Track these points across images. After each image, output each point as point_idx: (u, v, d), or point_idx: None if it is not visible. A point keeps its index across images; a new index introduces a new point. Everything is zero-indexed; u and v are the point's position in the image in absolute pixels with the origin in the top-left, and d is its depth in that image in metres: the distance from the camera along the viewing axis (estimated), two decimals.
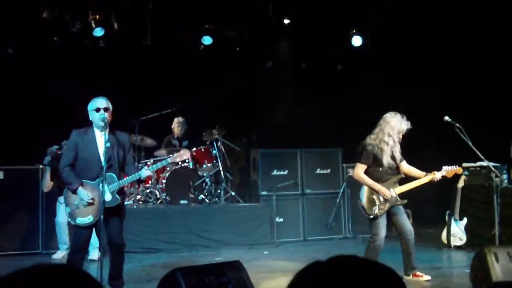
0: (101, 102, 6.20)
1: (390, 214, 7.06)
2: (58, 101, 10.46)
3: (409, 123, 7.02)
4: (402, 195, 7.05)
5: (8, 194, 9.54)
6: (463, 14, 10.88)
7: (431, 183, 7.17)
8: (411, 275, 7.05)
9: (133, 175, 6.35)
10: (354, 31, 12.23)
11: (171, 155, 7.18)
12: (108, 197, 5.99)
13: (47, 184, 9.22)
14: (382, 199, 6.95)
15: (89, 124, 6.27)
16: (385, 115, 7.10)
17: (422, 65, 11.84)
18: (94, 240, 8.16)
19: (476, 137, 7.42)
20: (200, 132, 11.26)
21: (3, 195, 9.51)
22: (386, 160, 6.98)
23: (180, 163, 10.37)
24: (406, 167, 7.20)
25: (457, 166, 7.27)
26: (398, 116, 7.03)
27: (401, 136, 7.05)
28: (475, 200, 9.61)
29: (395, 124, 6.99)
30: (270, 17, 11.81)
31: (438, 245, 9.54)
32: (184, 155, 7.15)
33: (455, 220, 9.42)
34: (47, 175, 9.28)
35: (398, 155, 7.08)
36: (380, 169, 7.01)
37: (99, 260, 6.04)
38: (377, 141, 6.99)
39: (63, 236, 9.08)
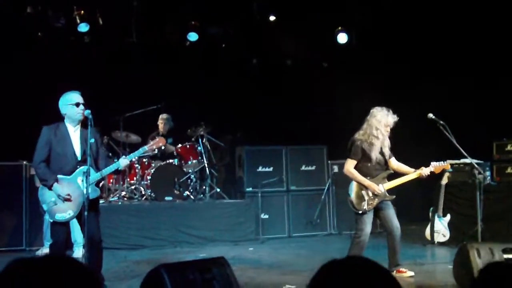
0: (79, 96, 6.17)
1: (378, 210, 7.09)
2: (42, 96, 10.37)
3: (395, 116, 7.05)
4: (390, 191, 7.10)
5: None
6: (448, 12, 10.94)
7: (417, 179, 7.22)
8: (395, 271, 7.09)
9: (112, 165, 6.32)
10: (340, 28, 12.26)
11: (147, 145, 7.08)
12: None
13: None
14: (371, 195, 6.98)
15: (60, 119, 6.21)
16: (371, 110, 7.13)
17: (407, 62, 11.89)
18: (79, 238, 8.15)
19: (460, 134, 7.48)
20: (186, 128, 11.25)
21: None
22: (375, 154, 7.01)
23: (163, 156, 10.38)
24: (395, 163, 7.24)
25: (445, 162, 7.32)
26: (384, 110, 7.06)
27: (388, 130, 7.08)
28: (458, 197, 9.70)
29: (381, 118, 7.02)
30: (255, 14, 11.82)
31: (422, 241, 9.61)
32: (160, 142, 7.07)
33: (439, 216, 9.50)
34: None
35: (387, 151, 7.12)
36: (369, 164, 7.04)
37: (83, 257, 6.01)
38: (366, 136, 7.03)
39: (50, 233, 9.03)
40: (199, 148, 10.92)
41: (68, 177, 6.07)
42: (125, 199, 10.56)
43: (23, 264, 1.58)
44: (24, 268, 1.56)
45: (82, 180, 5.97)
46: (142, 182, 10.61)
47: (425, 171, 7.10)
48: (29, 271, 1.56)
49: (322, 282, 1.68)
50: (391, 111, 7.06)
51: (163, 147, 10.07)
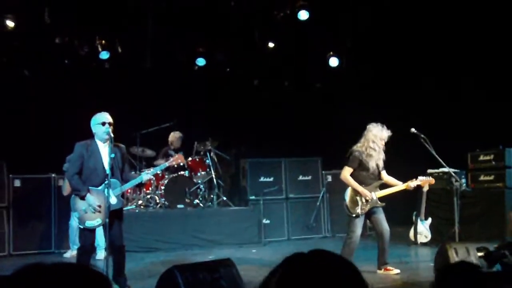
0: (106, 117, 6.24)
1: (370, 214, 7.13)
2: (68, 117, 10.45)
3: (389, 131, 7.10)
4: (381, 199, 7.13)
5: (24, 200, 9.58)
6: (423, 32, 10.99)
7: (405, 189, 7.26)
8: (383, 269, 7.13)
9: (135, 179, 6.39)
10: (331, 53, 12.31)
11: (168, 160, 7.19)
12: (113, 200, 6.03)
13: (67, 188, 9.09)
14: (364, 200, 7.01)
15: (91, 136, 6.28)
16: (368, 125, 7.18)
17: (392, 82, 11.94)
18: (102, 241, 8.18)
19: (438, 146, 7.52)
20: (195, 143, 11.28)
21: (20, 201, 9.55)
22: (372, 165, 7.04)
23: (176, 168, 10.42)
24: (386, 177, 7.28)
25: (430, 177, 7.38)
26: (379, 125, 7.12)
27: (383, 143, 7.12)
28: (438, 202, 9.72)
29: (377, 133, 7.07)
30: (256, 41, 11.89)
31: (406, 242, 9.61)
32: (179, 159, 7.14)
33: (421, 220, 9.51)
34: (67, 180, 9.20)
35: (381, 163, 7.17)
36: (364, 173, 7.08)
37: (105, 259, 6.05)
38: (363, 148, 7.07)
39: (75, 237, 9.06)
40: (207, 161, 10.95)
41: (98, 188, 6.13)
42: (142, 207, 10.59)
43: (34, 269, 1.50)
44: (34, 274, 1.49)
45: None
46: (157, 192, 10.63)
47: (412, 184, 7.15)
48: (39, 277, 1.48)
49: (286, 275, 1.55)
50: (385, 127, 7.11)
51: (181, 164, 10.12)
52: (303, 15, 10.72)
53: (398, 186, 7.19)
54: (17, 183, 9.63)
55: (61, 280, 1.49)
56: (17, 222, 9.49)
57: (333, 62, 12.35)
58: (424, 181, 7.24)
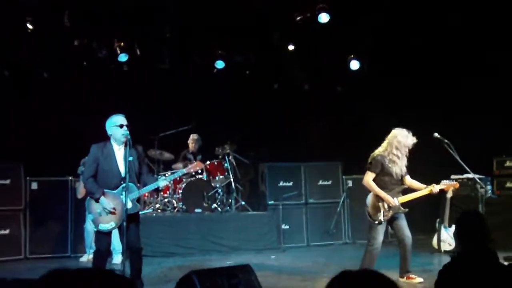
0: (123, 119, 6.23)
1: (392, 220, 7.00)
2: (85, 118, 10.50)
3: (414, 138, 6.95)
4: (403, 205, 7.00)
5: (41, 203, 9.64)
6: (447, 38, 10.86)
7: (429, 194, 7.10)
8: (405, 277, 7.01)
9: (151, 184, 6.38)
10: (352, 56, 12.23)
11: (186, 165, 7.19)
12: (129, 204, 6.00)
13: (81, 191, 9.14)
14: (386, 207, 6.89)
15: (106, 138, 6.27)
16: (393, 130, 7.04)
17: (413, 85, 11.81)
18: (118, 246, 8.17)
19: (462, 151, 7.39)
20: (213, 147, 11.27)
21: (36, 204, 9.61)
22: (395, 171, 6.92)
23: (194, 173, 10.41)
24: (409, 181, 7.14)
25: (454, 181, 7.23)
26: (405, 131, 6.97)
27: (407, 151, 6.98)
28: (462, 209, 9.55)
29: (401, 139, 6.93)
30: (275, 43, 11.85)
31: (429, 250, 9.47)
32: (197, 166, 7.13)
33: (445, 227, 9.36)
34: (81, 183, 9.24)
35: (404, 169, 7.03)
36: (386, 178, 6.96)
37: (122, 263, 6.03)
38: (386, 153, 6.94)
39: (90, 241, 9.07)
40: (225, 164, 10.93)
41: (114, 191, 6.12)
42: (159, 211, 10.60)
43: (59, 275, 1.53)
44: (60, 280, 1.52)
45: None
46: (174, 196, 10.64)
47: (436, 188, 6.99)
48: (64, 283, 1.51)
49: None
50: (411, 133, 6.95)
51: (199, 170, 10.13)
52: (324, 17, 10.64)
53: (421, 191, 7.05)
54: (34, 185, 9.70)
55: (87, 285, 1.52)
56: (34, 225, 9.56)
57: (354, 65, 12.27)
58: (448, 185, 7.11)
